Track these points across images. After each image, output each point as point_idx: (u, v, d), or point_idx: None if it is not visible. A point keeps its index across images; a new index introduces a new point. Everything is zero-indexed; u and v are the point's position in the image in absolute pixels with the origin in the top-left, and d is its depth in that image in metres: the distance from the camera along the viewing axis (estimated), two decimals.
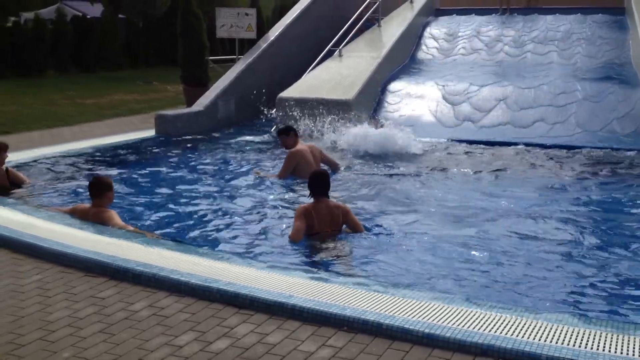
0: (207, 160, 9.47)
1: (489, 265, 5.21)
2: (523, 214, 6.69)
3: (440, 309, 3.90)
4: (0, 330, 3.82)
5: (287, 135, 8.36)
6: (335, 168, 8.45)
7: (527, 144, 10.50)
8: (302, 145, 8.27)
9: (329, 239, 5.70)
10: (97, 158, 9.59)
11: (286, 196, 7.42)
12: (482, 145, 10.56)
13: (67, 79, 23.12)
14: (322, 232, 5.74)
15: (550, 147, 10.32)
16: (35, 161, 9.08)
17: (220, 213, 6.84)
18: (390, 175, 8.52)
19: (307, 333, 3.74)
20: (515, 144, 10.57)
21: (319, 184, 5.90)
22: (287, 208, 6.87)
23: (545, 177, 8.50)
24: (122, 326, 3.87)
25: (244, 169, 8.90)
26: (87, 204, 6.17)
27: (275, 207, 7.00)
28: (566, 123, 11.11)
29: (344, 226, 5.93)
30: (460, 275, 5.01)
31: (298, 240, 5.65)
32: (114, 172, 8.54)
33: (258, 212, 6.80)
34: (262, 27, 23.66)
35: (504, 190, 7.82)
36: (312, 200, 5.93)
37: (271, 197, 7.41)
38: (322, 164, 8.24)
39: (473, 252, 5.52)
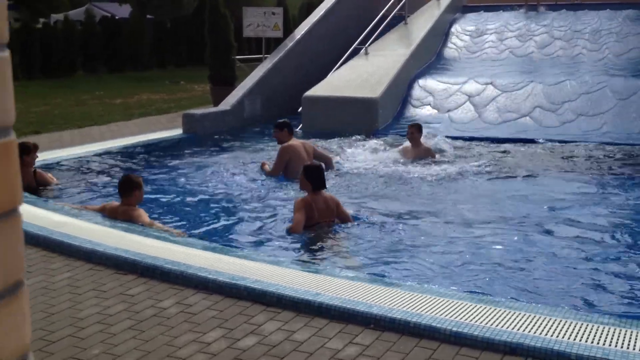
0: (232, 159, 9.52)
1: (517, 263, 5.17)
2: (552, 212, 6.62)
3: (468, 307, 3.87)
4: (32, 326, 3.87)
5: (281, 130, 8.34)
6: (329, 163, 8.35)
7: (557, 141, 10.37)
8: (294, 140, 8.32)
9: (336, 232, 5.89)
10: (126, 157, 9.69)
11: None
12: (510, 143, 10.45)
13: (96, 79, 23.42)
14: (320, 222, 5.91)
15: (580, 143, 10.18)
16: (65, 160, 9.21)
17: (241, 210, 6.90)
18: (408, 174, 8.45)
19: (334, 331, 3.74)
20: (545, 141, 10.45)
21: (317, 176, 6.03)
22: None
23: (576, 175, 8.39)
24: (151, 323, 3.91)
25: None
26: (116, 202, 6.25)
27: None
28: (597, 119, 10.96)
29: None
30: (487, 272, 4.97)
31: (299, 232, 5.80)
32: (142, 170, 8.63)
33: (279, 210, 6.83)
34: (289, 26, 23.69)
35: (531, 188, 7.75)
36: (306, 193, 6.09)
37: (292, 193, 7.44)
38: (315, 160, 8.07)
39: (499, 250, 5.48)
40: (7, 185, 0.71)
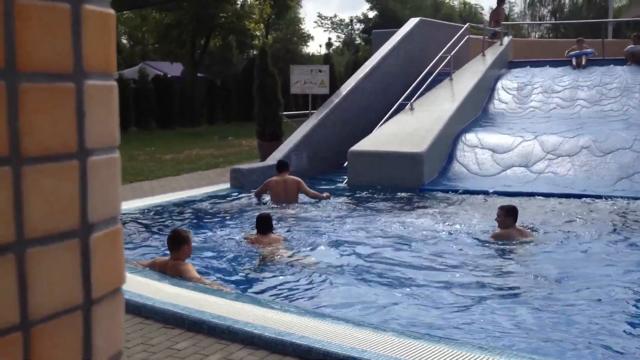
0: (279, 213, 9.61)
1: (589, 325, 5.06)
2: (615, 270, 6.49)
3: None
4: None
5: (276, 168, 10.47)
6: (315, 197, 10.21)
7: (610, 197, 10.17)
8: (279, 177, 10.24)
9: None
10: (175, 211, 9.88)
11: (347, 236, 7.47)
12: (559, 199, 10.30)
13: (148, 135, 24.08)
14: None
15: (632, 200, 9.97)
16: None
17: (286, 265, 6.94)
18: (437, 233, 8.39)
19: None
20: (594, 196, 10.26)
21: (257, 223, 7.59)
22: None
23: (623, 232, 8.23)
24: None
25: (314, 221, 9.00)
26: (165, 257, 6.36)
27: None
28: None
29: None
30: (555, 335, 4.87)
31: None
32: (190, 225, 8.77)
33: (324, 266, 6.85)
34: (335, 82, 24.09)
35: (580, 244, 7.62)
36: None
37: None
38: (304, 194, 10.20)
39: (573, 315, 5.36)
40: (116, 267, 0.78)
